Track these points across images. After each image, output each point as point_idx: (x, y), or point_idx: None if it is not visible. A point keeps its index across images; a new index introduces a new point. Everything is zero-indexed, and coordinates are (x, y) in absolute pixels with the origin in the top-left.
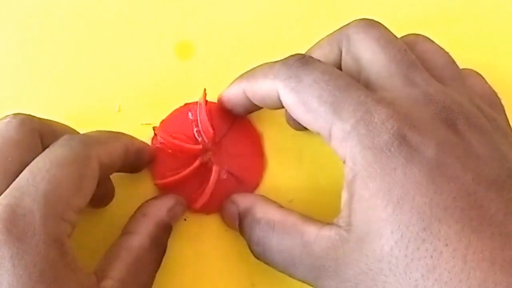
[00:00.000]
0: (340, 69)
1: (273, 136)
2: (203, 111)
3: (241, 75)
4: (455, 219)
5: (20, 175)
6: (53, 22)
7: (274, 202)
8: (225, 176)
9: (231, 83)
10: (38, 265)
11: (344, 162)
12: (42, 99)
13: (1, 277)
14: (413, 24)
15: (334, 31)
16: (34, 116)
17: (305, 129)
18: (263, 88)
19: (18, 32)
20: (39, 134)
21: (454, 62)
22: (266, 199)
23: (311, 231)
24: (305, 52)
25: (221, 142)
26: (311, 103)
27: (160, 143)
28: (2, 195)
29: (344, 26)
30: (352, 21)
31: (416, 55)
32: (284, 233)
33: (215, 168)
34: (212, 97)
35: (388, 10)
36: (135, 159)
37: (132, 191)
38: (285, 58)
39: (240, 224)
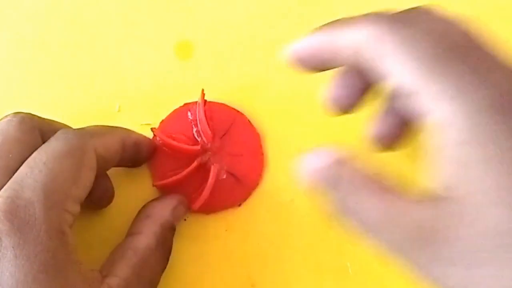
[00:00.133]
0: None
1: (273, 136)
2: (201, 112)
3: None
4: None
5: (19, 170)
6: (53, 22)
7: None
8: (224, 176)
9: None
10: (40, 255)
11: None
12: (43, 99)
13: (3, 267)
14: None
15: None
16: (35, 115)
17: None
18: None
19: (18, 32)
20: (40, 132)
21: None
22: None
23: (412, 196)
24: None
25: (221, 142)
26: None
27: (159, 144)
28: (3, 189)
29: None
30: None
31: None
32: (382, 193)
33: (213, 168)
34: (212, 97)
35: (388, 10)
36: (134, 152)
37: (132, 192)
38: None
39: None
